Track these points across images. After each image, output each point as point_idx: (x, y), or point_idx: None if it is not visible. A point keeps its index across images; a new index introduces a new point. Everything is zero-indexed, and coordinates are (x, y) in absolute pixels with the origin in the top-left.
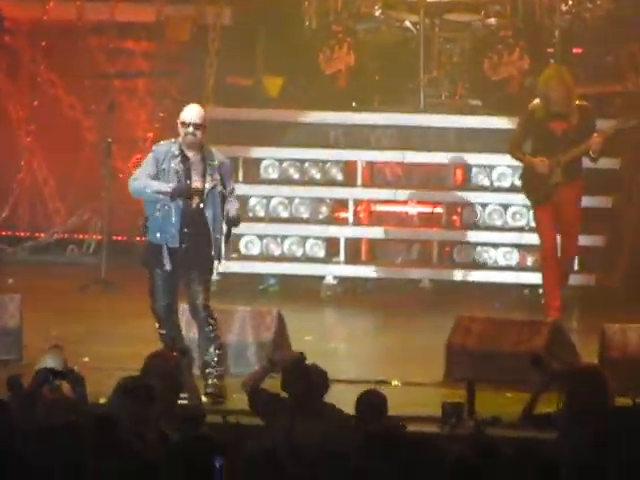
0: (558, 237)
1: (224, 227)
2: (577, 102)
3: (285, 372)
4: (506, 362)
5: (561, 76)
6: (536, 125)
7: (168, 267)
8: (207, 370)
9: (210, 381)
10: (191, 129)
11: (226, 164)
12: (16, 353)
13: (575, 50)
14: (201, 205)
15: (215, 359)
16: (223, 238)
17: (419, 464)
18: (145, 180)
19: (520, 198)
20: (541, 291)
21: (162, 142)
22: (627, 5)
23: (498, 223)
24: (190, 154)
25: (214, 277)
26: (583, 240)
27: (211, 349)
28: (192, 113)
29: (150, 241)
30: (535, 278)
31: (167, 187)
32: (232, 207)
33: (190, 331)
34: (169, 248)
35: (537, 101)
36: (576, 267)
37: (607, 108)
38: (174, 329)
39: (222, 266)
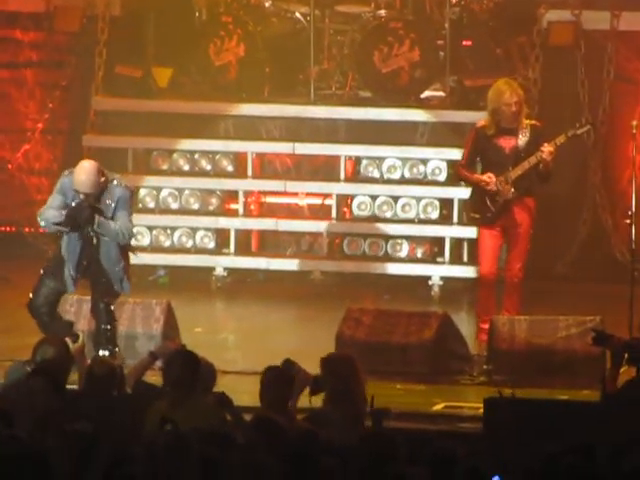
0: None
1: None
2: (527, 121)
3: (165, 363)
4: (396, 353)
5: (513, 89)
6: (485, 142)
7: (69, 289)
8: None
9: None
10: (82, 196)
11: (123, 197)
12: None
13: (465, 42)
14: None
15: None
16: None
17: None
18: (48, 212)
19: (409, 190)
20: (431, 282)
21: (67, 172)
22: None
23: (388, 215)
24: None
25: None
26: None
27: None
28: (81, 185)
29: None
30: (425, 270)
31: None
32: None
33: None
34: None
35: (484, 117)
36: (465, 259)
37: None
38: (56, 321)
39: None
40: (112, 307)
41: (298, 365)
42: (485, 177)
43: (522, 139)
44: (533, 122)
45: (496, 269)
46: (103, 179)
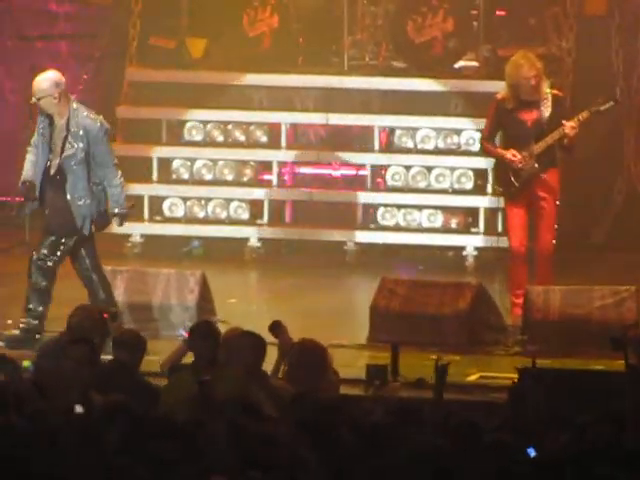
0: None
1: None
2: (549, 90)
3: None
4: (430, 324)
5: (531, 63)
6: (506, 115)
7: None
8: None
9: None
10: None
11: (93, 131)
12: None
13: (499, 12)
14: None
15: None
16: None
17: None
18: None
19: (443, 160)
20: (465, 253)
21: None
22: None
23: (422, 185)
24: (56, 119)
25: (138, 239)
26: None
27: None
28: (33, 88)
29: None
30: (459, 240)
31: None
32: (115, 203)
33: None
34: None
35: (504, 90)
36: (500, 229)
37: None
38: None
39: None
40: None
41: (284, 329)
42: (509, 154)
43: (544, 111)
44: (555, 92)
45: (525, 242)
46: (57, 99)
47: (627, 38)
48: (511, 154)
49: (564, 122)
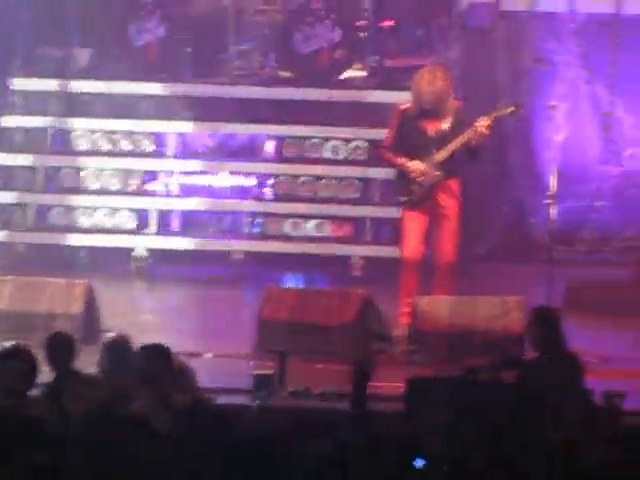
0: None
1: None
2: (452, 102)
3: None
4: (317, 333)
5: (433, 76)
6: (409, 125)
7: None
8: None
9: None
10: None
11: None
12: None
13: (386, 23)
14: None
15: None
16: None
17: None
18: None
19: (330, 170)
20: (352, 262)
21: None
22: None
23: (309, 194)
24: None
25: (22, 249)
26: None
27: None
28: None
29: None
30: (346, 250)
31: None
32: None
33: None
34: None
35: (409, 100)
36: (386, 239)
37: None
38: None
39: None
40: None
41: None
42: (411, 164)
43: (446, 122)
44: (457, 103)
45: (420, 252)
46: None
47: (511, 50)
48: (413, 164)
49: (477, 121)
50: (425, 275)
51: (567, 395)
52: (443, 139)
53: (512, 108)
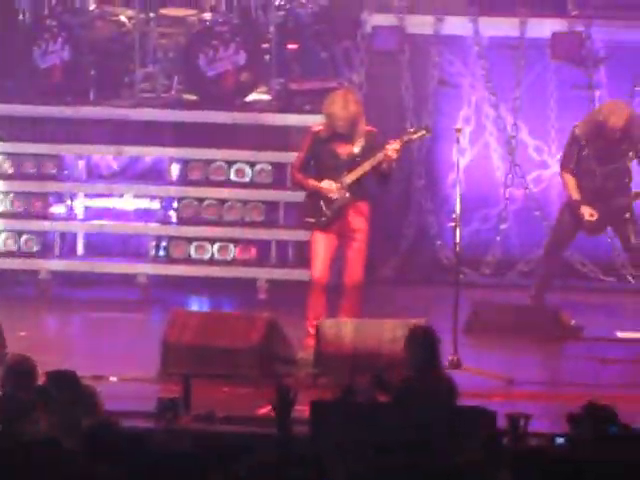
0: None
1: None
2: (364, 127)
3: None
4: (222, 357)
5: (345, 100)
6: (321, 147)
7: None
8: None
9: None
10: None
11: None
12: None
13: (290, 46)
14: None
15: None
16: None
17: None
18: None
19: (235, 193)
20: (257, 285)
21: None
22: (340, 2)
23: (214, 218)
24: None
25: None
26: (303, 235)
27: None
28: None
29: None
30: (252, 272)
31: None
32: None
33: None
34: None
35: (321, 123)
36: (292, 262)
37: (322, 104)
38: None
39: None
40: None
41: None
42: (324, 185)
43: (358, 145)
44: (369, 128)
45: (328, 273)
46: None
47: (417, 73)
48: (325, 183)
49: (387, 145)
50: (333, 297)
51: (438, 414)
52: (354, 162)
53: (423, 132)
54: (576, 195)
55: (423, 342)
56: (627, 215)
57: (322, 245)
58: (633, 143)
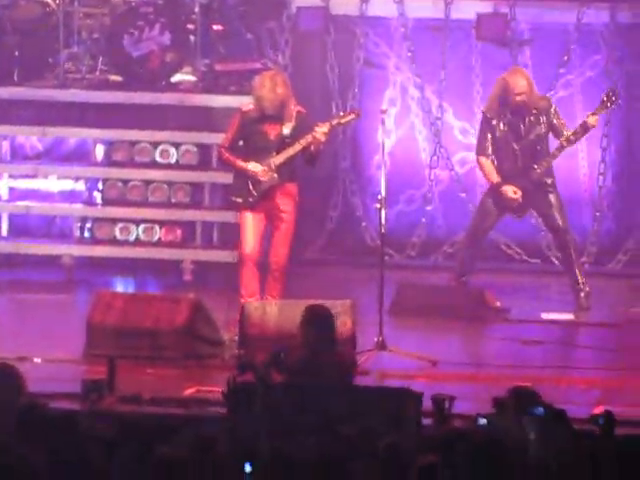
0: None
1: None
2: (294, 107)
3: None
4: (147, 338)
5: (273, 82)
6: (249, 127)
7: None
8: None
9: None
10: None
11: None
12: None
13: (215, 27)
14: None
15: None
16: None
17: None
18: None
19: (160, 174)
20: (183, 266)
21: None
22: None
23: (139, 199)
24: None
25: None
26: (228, 216)
27: None
28: None
29: None
30: (177, 254)
31: None
32: None
33: None
34: None
35: (251, 102)
36: (217, 243)
37: (247, 85)
38: None
39: None
40: None
41: None
42: (250, 166)
43: (287, 126)
44: (299, 109)
45: (258, 252)
46: None
47: (342, 54)
48: (252, 165)
49: (315, 128)
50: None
51: (336, 396)
52: (283, 143)
53: (352, 116)
54: (495, 178)
55: (317, 322)
56: (548, 181)
57: (250, 223)
58: (540, 112)
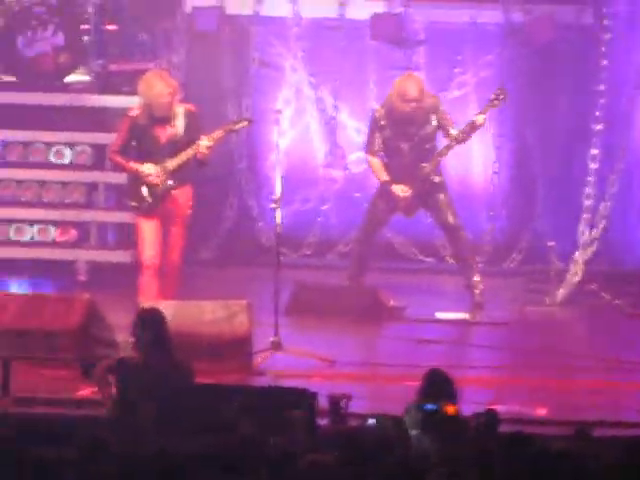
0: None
1: None
2: (182, 106)
3: None
4: (41, 339)
5: (163, 81)
6: (139, 131)
7: None
8: None
9: None
10: None
11: None
12: None
13: (109, 27)
14: None
15: None
16: None
17: None
18: None
19: (55, 174)
20: (77, 267)
21: None
22: None
23: (33, 199)
24: None
25: None
26: (123, 217)
27: None
28: None
29: None
30: (70, 254)
31: None
32: None
33: None
34: None
35: (137, 107)
36: (112, 244)
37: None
38: None
39: None
40: None
41: None
42: (144, 169)
43: (177, 126)
44: (188, 107)
45: (156, 257)
46: None
47: (237, 54)
48: (147, 167)
49: (200, 140)
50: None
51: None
52: (174, 144)
53: (244, 123)
54: (383, 176)
55: (149, 324)
56: (436, 179)
57: (148, 229)
58: (429, 111)
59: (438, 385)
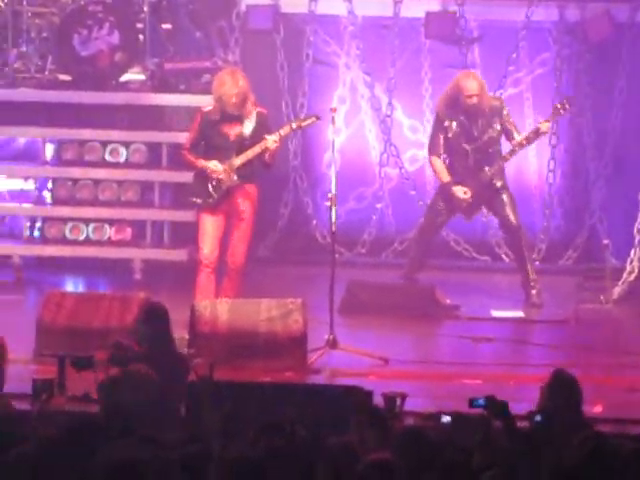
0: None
1: None
2: (254, 107)
3: None
4: (97, 338)
5: (235, 79)
6: (210, 128)
7: None
8: None
9: None
10: None
11: None
12: None
13: (165, 26)
14: None
15: None
16: None
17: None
18: None
19: (110, 173)
20: (133, 265)
21: None
22: None
23: (89, 198)
24: None
25: None
26: (178, 215)
27: None
28: None
29: None
30: (126, 253)
31: None
32: None
33: None
34: None
35: (210, 103)
36: (167, 242)
37: (197, 84)
38: None
39: None
40: None
41: None
42: (211, 165)
43: (247, 126)
44: (259, 109)
45: (216, 256)
46: None
47: (292, 52)
48: (213, 164)
49: (266, 136)
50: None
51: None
52: (243, 143)
53: (313, 119)
54: (445, 178)
55: (153, 318)
56: (498, 184)
57: (209, 225)
58: (493, 114)
59: (566, 386)
